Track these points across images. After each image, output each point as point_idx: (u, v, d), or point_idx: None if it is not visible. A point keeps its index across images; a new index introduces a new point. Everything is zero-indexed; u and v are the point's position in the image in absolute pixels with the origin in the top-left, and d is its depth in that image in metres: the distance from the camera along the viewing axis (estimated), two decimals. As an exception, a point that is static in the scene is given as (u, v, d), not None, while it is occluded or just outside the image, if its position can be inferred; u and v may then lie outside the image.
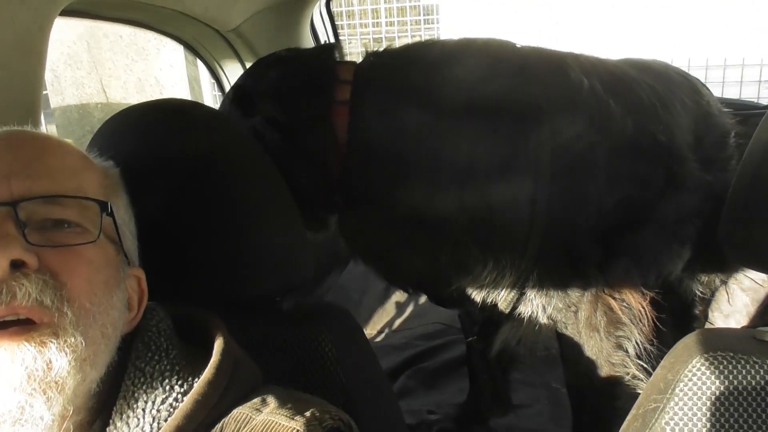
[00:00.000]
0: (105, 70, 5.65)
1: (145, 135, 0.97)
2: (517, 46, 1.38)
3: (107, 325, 0.65)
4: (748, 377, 0.78)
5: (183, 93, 5.23)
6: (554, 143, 1.25)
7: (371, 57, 1.39)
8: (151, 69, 5.59)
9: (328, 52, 1.41)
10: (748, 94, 4.11)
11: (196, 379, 0.67)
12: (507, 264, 1.32)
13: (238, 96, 1.36)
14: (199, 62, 2.12)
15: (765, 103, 2.31)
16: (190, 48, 1.90)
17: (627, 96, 1.34)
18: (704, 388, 0.79)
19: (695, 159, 1.40)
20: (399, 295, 2.32)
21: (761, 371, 0.78)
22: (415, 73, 1.31)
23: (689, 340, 0.85)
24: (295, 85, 1.32)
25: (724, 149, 1.52)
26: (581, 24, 4.79)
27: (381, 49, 1.41)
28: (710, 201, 1.45)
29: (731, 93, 3.95)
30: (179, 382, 0.67)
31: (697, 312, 1.88)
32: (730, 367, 0.79)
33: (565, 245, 1.30)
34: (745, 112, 1.87)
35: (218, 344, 0.70)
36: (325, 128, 1.29)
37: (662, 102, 1.38)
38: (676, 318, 1.76)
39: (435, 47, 1.38)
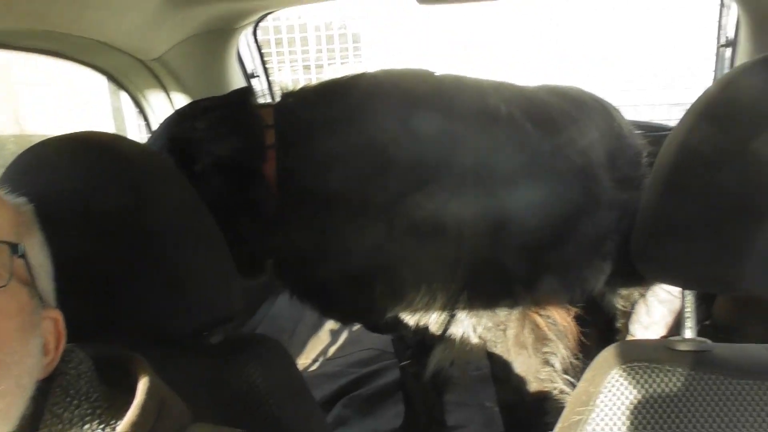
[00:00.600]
0: (20, 100, 5.42)
1: (64, 169, 0.94)
2: (436, 74, 1.42)
3: (23, 374, 0.61)
4: (662, 385, 0.83)
5: (106, 123, 5.07)
6: (476, 166, 1.29)
7: (289, 98, 1.39)
8: (71, 99, 5.40)
9: (248, 97, 1.40)
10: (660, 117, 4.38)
11: (120, 422, 0.64)
12: (438, 287, 1.35)
13: (174, 147, 1.32)
14: (122, 92, 2.07)
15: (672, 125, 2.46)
16: (112, 78, 1.85)
17: (544, 121, 1.41)
18: (623, 398, 0.83)
19: (610, 178, 1.48)
20: (333, 323, 2.31)
21: (674, 379, 0.83)
22: (333, 111, 1.33)
23: (608, 353, 0.89)
24: (230, 134, 1.31)
25: (637, 169, 1.61)
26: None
27: (296, 88, 1.41)
28: (626, 218, 1.53)
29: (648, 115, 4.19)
30: (101, 426, 0.64)
31: (619, 325, 1.96)
32: (646, 376, 0.83)
33: (492, 265, 1.34)
34: (656, 133, 1.98)
35: (142, 384, 0.68)
36: (258, 174, 1.29)
37: (577, 126, 1.45)
38: (600, 332, 1.83)
39: (352, 83, 1.40)
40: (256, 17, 1.99)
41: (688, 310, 0.88)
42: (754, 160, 0.73)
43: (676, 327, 1.88)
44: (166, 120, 1.41)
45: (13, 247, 0.64)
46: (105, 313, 0.84)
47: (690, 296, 0.88)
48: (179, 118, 1.39)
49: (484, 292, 1.37)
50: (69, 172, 0.94)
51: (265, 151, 1.30)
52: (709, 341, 0.87)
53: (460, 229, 1.29)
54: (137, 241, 0.89)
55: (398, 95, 1.36)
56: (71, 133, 1.01)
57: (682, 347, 0.86)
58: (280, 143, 1.31)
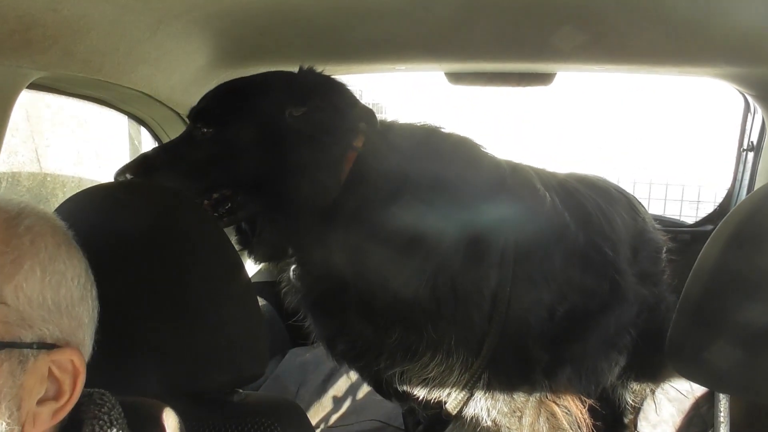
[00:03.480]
0: (42, 140, 5.52)
1: (105, 216, 0.95)
2: (493, 155, 1.47)
3: None
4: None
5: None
6: (520, 248, 1.30)
7: (384, 123, 1.46)
8: (90, 141, 5.50)
9: (357, 102, 1.46)
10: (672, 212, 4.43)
11: None
12: (458, 360, 1.33)
13: (283, 86, 1.38)
14: (143, 139, 2.12)
15: (689, 221, 2.49)
16: (149, 127, 1.90)
17: (577, 210, 1.43)
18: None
19: (633, 273, 1.49)
20: (336, 389, 2.27)
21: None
22: (415, 154, 1.37)
23: (638, 451, 0.87)
24: (334, 112, 1.35)
25: (658, 264, 1.62)
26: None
27: (394, 120, 1.50)
28: (644, 313, 1.53)
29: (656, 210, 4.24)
30: None
31: (627, 421, 1.92)
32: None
33: (518, 349, 1.33)
34: (672, 228, 2.01)
35: None
36: (338, 160, 1.33)
37: (606, 217, 1.48)
38: (608, 426, 1.80)
39: (436, 136, 1.45)
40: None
41: (722, 414, 0.87)
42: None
43: (685, 427, 1.84)
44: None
45: None
46: (127, 361, 0.83)
47: (724, 400, 0.87)
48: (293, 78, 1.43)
49: (504, 374, 1.35)
50: (112, 220, 0.95)
51: (350, 149, 1.34)
52: (742, 449, 0.85)
53: (493, 304, 1.29)
54: (174, 292, 0.89)
55: (469, 167, 1.40)
56: (119, 182, 1.03)
57: (716, 452, 0.85)
58: (366, 150, 1.35)
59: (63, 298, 0.65)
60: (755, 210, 0.84)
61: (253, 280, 2.30)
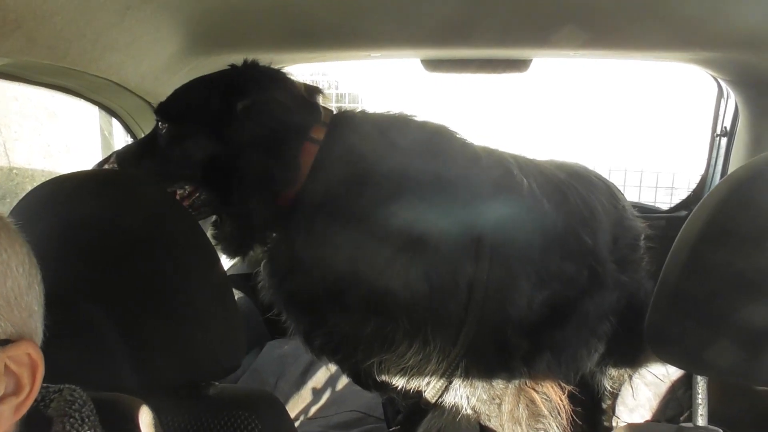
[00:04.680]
0: (10, 133, 5.39)
1: (77, 205, 0.92)
2: (468, 142, 1.45)
3: None
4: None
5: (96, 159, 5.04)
6: (496, 235, 1.30)
7: (347, 112, 1.46)
8: (61, 134, 5.39)
9: (319, 92, 1.47)
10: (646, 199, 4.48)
11: None
12: (435, 349, 1.32)
13: (229, 81, 1.37)
14: (115, 131, 2.08)
15: (664, 208, 2.52)
16: (120, 119, 1.86)
17: (557, 196, 1.43)
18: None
19: (613, 260, 1.49)
20: (316, 381, 2.25)
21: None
22: (383, 142, 1.36)
23: (619, 435, 0.87)
24: (283, 110, 1.34)
25: (637, 251, 1.63)
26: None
27: (357, 109, 1.48)
28: (624, 299, 1.54)
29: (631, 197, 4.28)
30: None
31: (605, 406, 1.94)
32: (657, 462, 0.82)
33: (496, 337, 1.32)
34: (648, 215, 2.02)
35: (145, 430, 0.66)
36: (294, 152, 1.32)
37: (586, 204, 1.48)
38: (587, 411, 1.81)
39: (404, 123, 1.44)
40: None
41: (701, 396, 0.87)
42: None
43: (662, 411, 1.86)
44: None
45: None
46: (109, 355, 0.81)
47: (702, 382, 0.87)
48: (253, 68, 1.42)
49: (483, 362, 1.34)
50: (83, 209, 0.92)
51: (310, 141, 1.33)
52: (720, 430, 0.86)
53: (469, 293, 1.28)
54: (146, 284, 0.87)
55: (442, 151, 1.39)
56: (90, 170, 1.00)
57: (694, 434, 0.85)
58: (327, 141, 1.34)
59: (10, 290, 0.61)
60: (730, 193, 0.84)
61: (230, 273, 2.28)
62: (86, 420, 0.66)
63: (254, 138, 1.29)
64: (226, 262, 1.88)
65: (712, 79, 1.92)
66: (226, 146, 1.31)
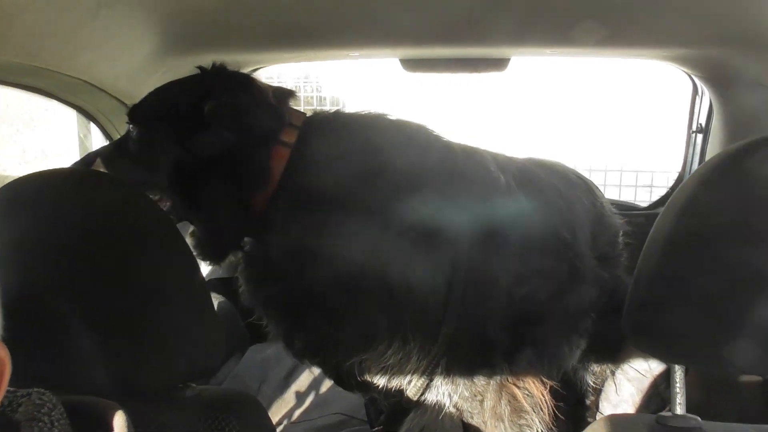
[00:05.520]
0: (-15, 137, 5.31)
1: (43, 206, 0.90)
2: (446, 140, 1.44)
3: None
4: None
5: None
6: (475, 231, 1.29)
7: (321, 113, 1.44)
8: (38, 139, 5.32)
9: (291, 95, 1.44)
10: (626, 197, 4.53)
11: None
12: (415, 347, 1.32)
13: (194, 84, 1.36)
14: (93, 136, 2.05)
15: (643, 205, 2.54)
16: (98, 122, 1.83)
17: (536, 194, 1.43)
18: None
19: (593, 256, 1.50)
20: (299, 384, 2.24)
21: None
22: (359, 142, 1.35)
23: (598, 426, 0.88)
24: (249, 113, 1.32)
25: (615, 247, 1.64)
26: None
27: (331, 111, 1.46)
28: (604, 295, 1.55)
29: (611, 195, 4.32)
30: None
31: (589, 402, 1.95)
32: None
33: (477, 333, 1.32)
34: (627, 212, 2.04)
35: None
36: (265, 159, 1.29)
37: (565, 201, 1.48)
38: (571, 407, 1.82)
39: (380, 123, 1.42)
40: (246, 71, 2.02)
41: (678, 385, 0.88)
42: (755, 235, 0.75)
43: (645, 405, 1.88)
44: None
45: None
46: (82, 357, 0.79)
47: (680, 371, 0.88)
48: (216, 74, 1.40)
49: (464, 359, 1.34)
50: (50, 209, 0.90)
51: (281, 145, 1.31)
52: (698, 418, 0.87)
53: (449, 288, 1.28)
54: (120, 284, 0.85)
55: (420, 151, 1.38)
56: (61, 169, 0.98)
57: (673, 423, 0.86)
58: (299, 144, 1.32)
59: None
60: (705, 178, 0.85)
61: (213, 277, 2.26)
62: (56, 424, 0.64)
63: (221, 142, 1.27)
64: (207, 266, 1.86)
65: (686, 76, 1.94)
66: (194, 151, 1.29)
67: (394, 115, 1.44)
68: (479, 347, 1.34)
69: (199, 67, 1.42)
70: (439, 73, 2.04)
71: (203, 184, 1.29)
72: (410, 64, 1.96)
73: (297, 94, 1.46)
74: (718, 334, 0.79)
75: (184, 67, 1.69)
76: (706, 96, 1.94)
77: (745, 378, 1.63)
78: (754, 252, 0.76)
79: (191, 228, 1.42)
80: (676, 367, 0.89)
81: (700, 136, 2.02)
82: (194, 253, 1.38)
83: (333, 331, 1.33)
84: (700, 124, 2.01)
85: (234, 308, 2.37)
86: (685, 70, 1.88)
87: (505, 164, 1.45)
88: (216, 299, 2.28)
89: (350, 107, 1.49)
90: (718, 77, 1.82)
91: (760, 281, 0.76)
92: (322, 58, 2.07)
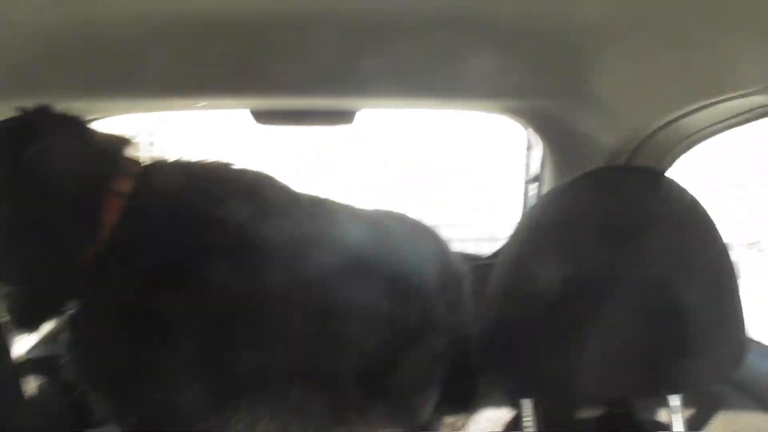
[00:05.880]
0: None
1: None
2: (291, 190, 1.42)
3: None
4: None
5: None
6: (320, 281, 1.26)
7: (158, 162, 1.36)
8: None
9: (126, 141, 1.35)
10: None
11: None
12: (264, 414, 1.24)
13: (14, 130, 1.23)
14: None
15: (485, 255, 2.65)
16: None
17: (384, 243, 1.44)
18: None
19: (442, 303, 1.52)
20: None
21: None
22: (196, 190, 1.29)
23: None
24: (78, 159, 1.22)
25: (462, 294, 1.68)
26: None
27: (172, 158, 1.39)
28: (455, 342, 1.57)
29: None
30: None
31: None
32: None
33: (329, 390, 1.27)
34: (472, 261, 2.12)
35: None
36: (97, 208, 1.20)
37: (414, 250, 1.50)
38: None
39: (220, 171, 1.38)
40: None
41: (527, 419, 0.90)
42: (576, 277, 0.80)
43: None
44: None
45: None
46: None
47: (528, 404, 0.90)
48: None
49: (314, 419, 1.28)
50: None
51: (113, 194, 1.22)
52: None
53: (295, 345, 1.23)
54: None
55: (261, 200, 1.33)
56: None
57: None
58: (135, 193, 1.23)
59: None
60: (529, 222, 0.89)
61: (30, 356, 2.00)
62: None
63: (43, 191, 1.16)
64: (26, 344, 1.67)
65: (521, 127, 2.08)
66: (13, 201, 1.17)
67: (238, 164, 1.40)
68: (332, 404, 1.29)
69: (21, 108, 1.28)
70: (291, 125, 2.03)
71: (21, 237, 1.15)
72: (261, 115, 1.93)
73: (135, 141, 1.37)
74: (558, 367, 0.82)
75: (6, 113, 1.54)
76: (540, 145, 2.08)
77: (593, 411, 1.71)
78: (577, 291, 0.80)
79: (5, 289, 1.25)
80: (525, 401, 0.91)
81: (535, 185, 2.16)
82: (9, 321, 1.23)
83: (172, 398, 1.22)
84: (534, 174, 2.15)
85: (57, 389, 2.10)
86: (519, 121, 2.00)
87: (354, 214, 1.45)
88: (35, 381, 2.02)
89: (193, 156, 1.42)
90: (546, 128, 1.96)
91: (585, 317, 0.80)
92: (166, 108, 1.98)
